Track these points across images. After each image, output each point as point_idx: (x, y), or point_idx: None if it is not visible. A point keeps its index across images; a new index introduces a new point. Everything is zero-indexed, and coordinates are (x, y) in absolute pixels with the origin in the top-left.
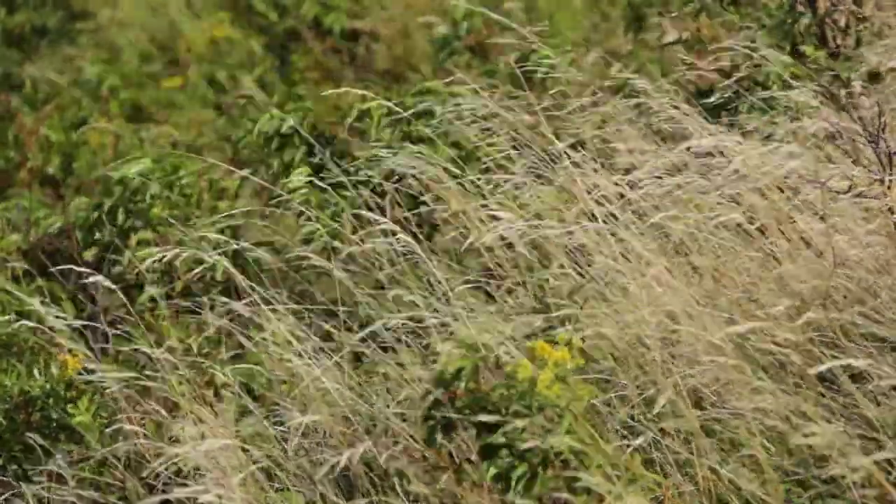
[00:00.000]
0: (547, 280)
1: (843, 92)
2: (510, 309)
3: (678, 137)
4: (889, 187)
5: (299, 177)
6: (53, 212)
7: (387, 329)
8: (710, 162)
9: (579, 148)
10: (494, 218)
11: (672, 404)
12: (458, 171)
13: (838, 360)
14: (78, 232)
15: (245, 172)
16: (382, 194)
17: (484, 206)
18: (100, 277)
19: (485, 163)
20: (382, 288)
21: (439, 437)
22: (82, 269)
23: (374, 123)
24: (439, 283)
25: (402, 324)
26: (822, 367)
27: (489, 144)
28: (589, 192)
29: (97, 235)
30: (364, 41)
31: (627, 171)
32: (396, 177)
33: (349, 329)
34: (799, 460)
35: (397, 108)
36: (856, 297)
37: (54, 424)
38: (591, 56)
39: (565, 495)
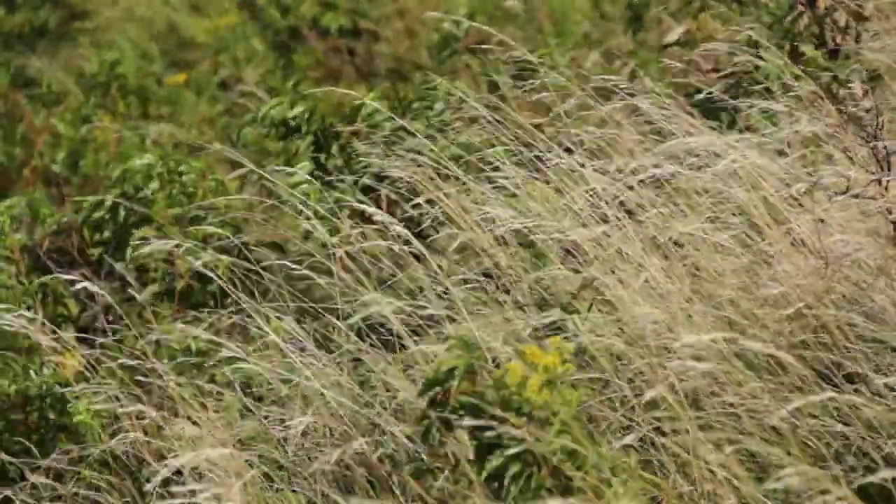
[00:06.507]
0: (542, 279)
1: (841, 92)
2: (509, 307)
3: (674, 138)
4: (886, 188)
5: (302, 168)
6: (57, 210)
7: (381, 324)
8: (705, 162)
9: (575, 148)
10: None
11: (668, 405)
12: (453, 171)
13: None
14: (86, 229)
15: (246, 169)
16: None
17: (478, 205)
18: (119, 274)
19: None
20: (382, 283)
21: (435, 437)
22: (86, 271)
23: (373, 120)
24: (437, 274)
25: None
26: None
27: (490, 144)
28: (585, 192)
29: (105, 233)
30: (366, 40)
31: (622, 172)
32: (389, 179)
33: (348, 327)
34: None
35: (396, 106)
36: (852, 298)
37: (51, 424)
38: (593, 56)
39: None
